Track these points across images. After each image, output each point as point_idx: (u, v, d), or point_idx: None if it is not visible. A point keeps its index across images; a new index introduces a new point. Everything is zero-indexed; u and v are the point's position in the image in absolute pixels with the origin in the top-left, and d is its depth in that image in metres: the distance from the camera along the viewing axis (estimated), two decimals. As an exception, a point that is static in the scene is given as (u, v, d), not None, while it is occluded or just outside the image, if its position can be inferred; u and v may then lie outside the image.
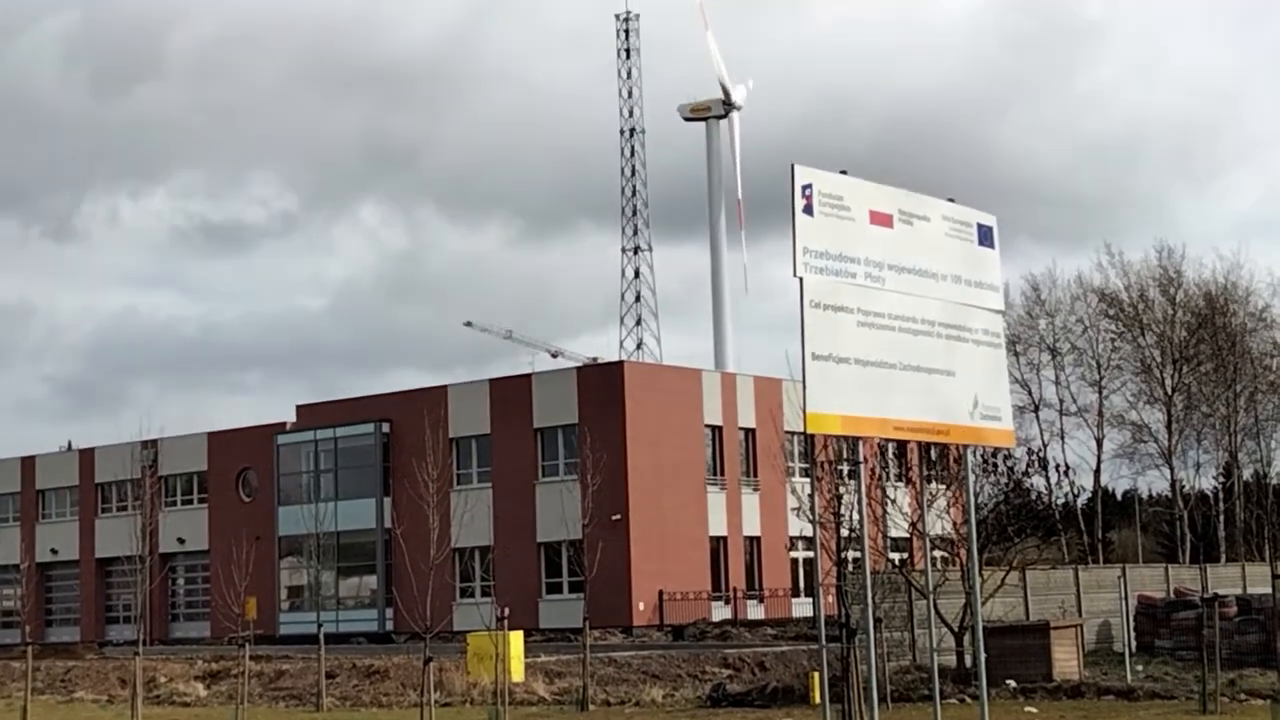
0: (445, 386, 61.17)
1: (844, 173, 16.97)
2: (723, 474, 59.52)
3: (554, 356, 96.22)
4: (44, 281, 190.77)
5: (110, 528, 68.02)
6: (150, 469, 56.43)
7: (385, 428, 61.52)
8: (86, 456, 72.70)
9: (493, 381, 60.71)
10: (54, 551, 72.44)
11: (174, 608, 69.91)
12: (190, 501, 68.53)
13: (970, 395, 17.54)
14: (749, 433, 60.41)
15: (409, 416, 57.17)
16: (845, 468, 27.35)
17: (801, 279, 16.16)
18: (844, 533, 23.47)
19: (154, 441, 64.55)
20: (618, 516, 52.91)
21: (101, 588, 71.71)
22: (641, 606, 54.92)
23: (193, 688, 36.17)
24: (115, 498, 70.84)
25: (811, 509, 18.89)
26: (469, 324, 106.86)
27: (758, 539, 60.27)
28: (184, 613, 69.59)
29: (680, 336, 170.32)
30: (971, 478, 19.92)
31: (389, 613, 59.58)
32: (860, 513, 17.14)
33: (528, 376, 61.10)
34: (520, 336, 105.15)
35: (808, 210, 16.35)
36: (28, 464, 75.09)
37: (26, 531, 69.50)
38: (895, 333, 16.87)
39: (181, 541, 66.78)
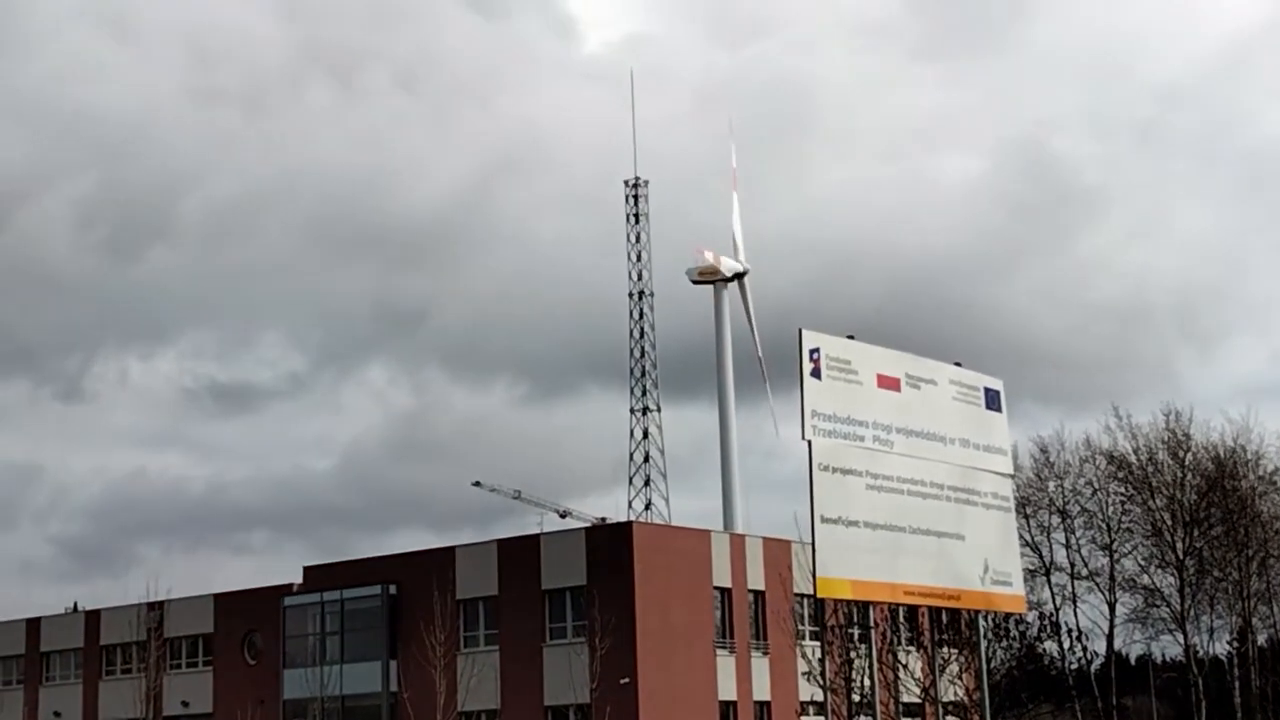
0: (453, 548, 60.94)
1: (851, 337, 17.21)
2: (732, 637, 59.00)
3: (562, 516, 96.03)
4: (53, 442, 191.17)
5: (115, 690, 67.27)
6: (156, 631, 56.06)
7: (392, 589, 61.15)
8: (92, 618, 72.21)
9: (500, 542, 60.49)
10: (57, 715, 71.52)
11: (176, 773, 68.87)
12: (195, 664, 67.87)
13: (981, 559, 17.57)
14: (758, 595, 60.00)
15: (416, 578, 56.88)
16: (856, 631, 27.19)
17: (810, 442, 16.31)
18: (855, 698, 23.25)
19: (160, 603, 64.16)
20: (626, 680, 52.33)
21: (103, 752, 70.72)
22: (649, 773, 54.06)
23: None
24: (120, 660, 70.19)
25: (822, 674, 18.78)
26: (477, 484, 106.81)
27: (768, 704, 59.50)
28: (186, 778, 68.53)
29: (688, 497, 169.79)
30: (984, 643, 19.84)
31: (394, 779, 58.66)
32: (872, 678, 17.06)
33: (536, 537, 60.88)
34: (529, 496, 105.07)
35: (816, 374, 16.57)
36: (32, 626, 74.54)
37: (30, 695, 68.73)
38: (904, 496, 16.96)
39: (185, 705, 65.98)
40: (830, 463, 16.44)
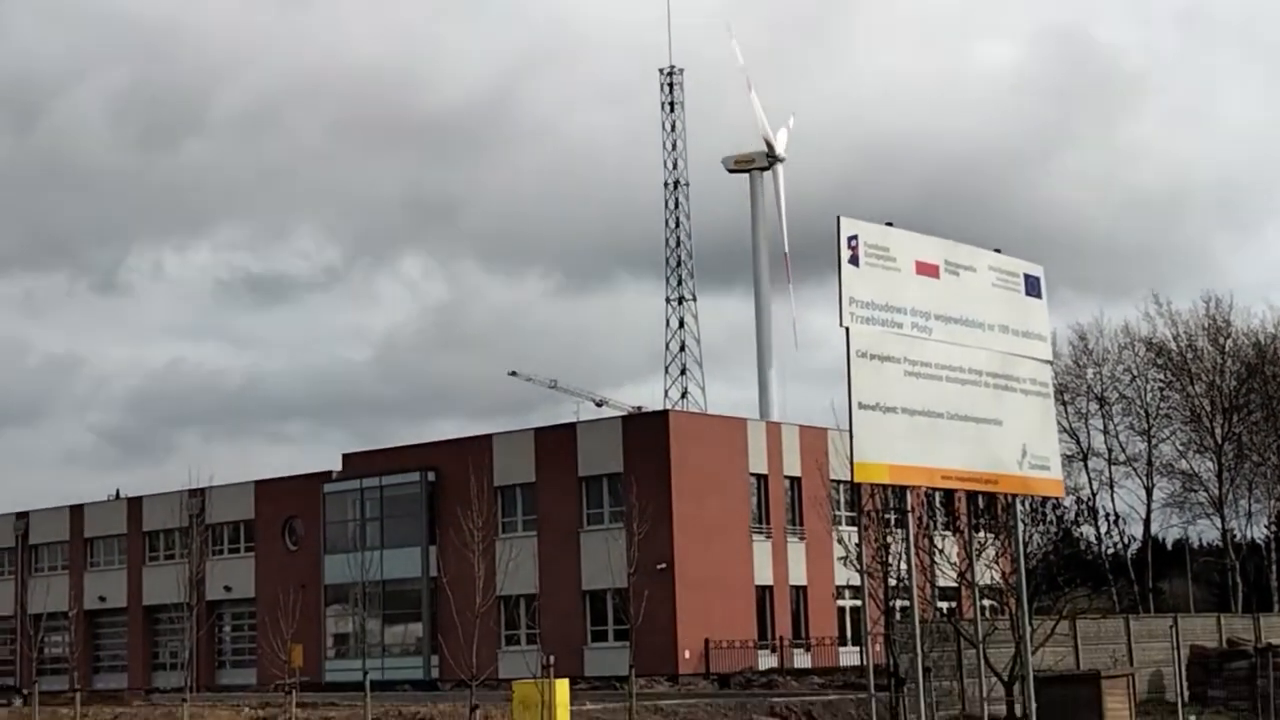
0: (490, 435, 61.33)
1: (889, 224, 17.04)
2: (768, 523, 59.36)
3: (598, 406, 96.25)
4: (91, 334, 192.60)
5: (158, 575, 68.37)
6: (198, 517, 56.76)
7: (431, 476, 61.70)
8: (135, 505, 73.20)
9: (537, 431, 60.83)
10: (102, 599, 72.83)
11: (220, 655, 70.09)
12: (237, 550, 68.83)
13: (1019, 444, 17.53)
14: (794, 482, 60.26)
15: (454, 465, 57.30)
16: (892, 517, 27.28)
17: (848, 329, 16.22)
18: (891, 582, 23.38)
19: (202, 490, 64.91)
20: (663, 565, 52.82)
21: (149, 635, 71.99)
22: (687, 655, 54.73)
23: (240, 735, 36.27)
24: (163, 546, 71.24)
25: (859, 558, 18.87)
26: (514, 373, 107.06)
27: (804, 588, 60.01)
28: (230, 660, 69.75)
29: (724, 386, 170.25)
30: (1020, 527, 19.86)
31: (434, 660, 59.57)
32: (908, 562, 17.11)
33: (572, 425, 61.19)
34: (564, 386, 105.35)
35: (854, 261, 16.44)
36: (76, 513, 75.65)
37: (75, 580, 69.89)
38: (943, 382, 16.89)
39: (228, 589, 67.05)
40: (868, 350, 16.36)
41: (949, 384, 17.01)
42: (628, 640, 34.66)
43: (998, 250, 18.45)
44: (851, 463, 15.92)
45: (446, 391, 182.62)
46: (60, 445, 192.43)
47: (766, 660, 57.10)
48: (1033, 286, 18.59)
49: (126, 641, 72.93)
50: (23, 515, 77.38)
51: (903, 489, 17.46)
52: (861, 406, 16.09)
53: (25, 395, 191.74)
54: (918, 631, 16.53)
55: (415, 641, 62.16)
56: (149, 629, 71.81)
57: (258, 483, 68.94)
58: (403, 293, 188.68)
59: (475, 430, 67.42)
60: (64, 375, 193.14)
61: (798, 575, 59.80)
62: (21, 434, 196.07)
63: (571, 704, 35.05)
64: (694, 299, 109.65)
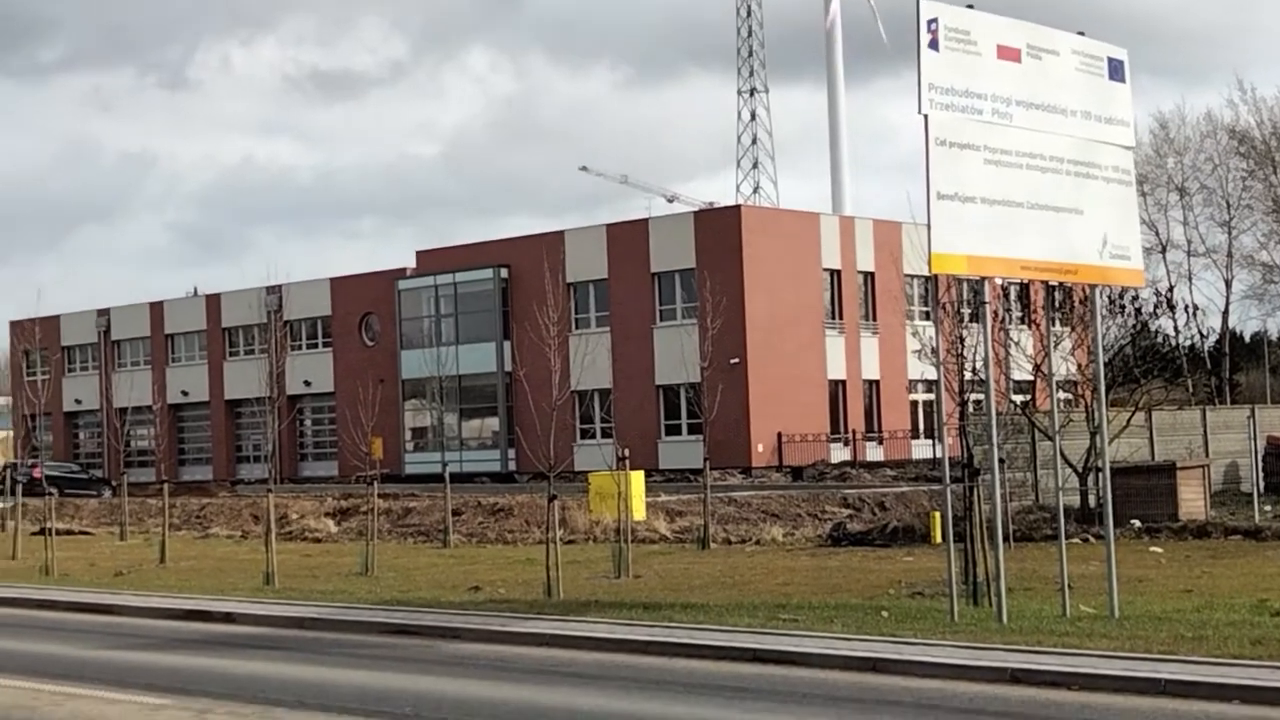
0: (562, 231, 61.33)
1: (970, 6, 16.51)
2: (841, 317, 59.30)
3: (669, 201, 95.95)
4: (163, 131, 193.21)
5: (238, 370, 69.61)
6: (276, 313, 57.49)
7: (504, 272, 61.96)
8: (213, 302, 74.20)
9: (609, 226, 60.73)
10: (184, 394, 74.32)
11: (302, 448, 71.62)
12: (315, 345, 69.78)
13: (1099, 234, 17.17)
14: (868, 276, 60.01)
15: (527, 261, 57.47)
16: (966, 311, 27.07)
17: (926, 116, 15.83)
18: (967, 375, 23.31)
19: (279, 287, 65.62)
20: (736, 360, 53.04)
21: (231, 428, 73.58)
22: (760, 448, 55.28)
23: (323, 524, 37.15)
24: (242, 341, 72.37)
25: (935, 350, 18.76)
26: (584, 169, 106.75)
27: (876, 382, 60.19)
28: (312, 452, 71.28)
29: (796, 180, 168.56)
30: (1099, 317, 19.63)
31: (510, 453, 60.58)
32: (986, 351, 16.98)
33: (644, 221, 61.03)
34: (635, 181, 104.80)
35: (933, 45, 15.95)
36: (156, 309, 76.83)
37: (158, 375, 71.23)
38: (1023, 170, 16.50)
39: (308, 384, 68.19)
40: (947, 137, 15.96)
41: (1029, 172, 16.61)
42: (701, 434, 34.95)
43: (1081, 33, 17.85)
44: (929, 254, 15.68)
45: (516, 187, 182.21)
46: (137, 242, 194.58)
47: (839, 453, 57.60)
48: (1116, 70, 18.00)
49: (210, 435, 74.61)
50: (104, 312, 78.69)
51: (980, 280, 17.22)
52: (940, 196, 15.77)
53: (101, 193, 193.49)
54: (993, 423, 16.48)
55: (491, 435, 63.14)
56: (231, 422, 73.36)
57: (333, 279, 69.58)
58: (470, 87, 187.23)
59: (545, 226, 67.52)
60: (139, 173, 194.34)
61: (870, 369, 59.93)
62: (99, 231, 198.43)
63: (646, 496, 35.63)
64: (765, 91, 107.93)
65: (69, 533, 37.68)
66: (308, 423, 71.26)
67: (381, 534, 31.72)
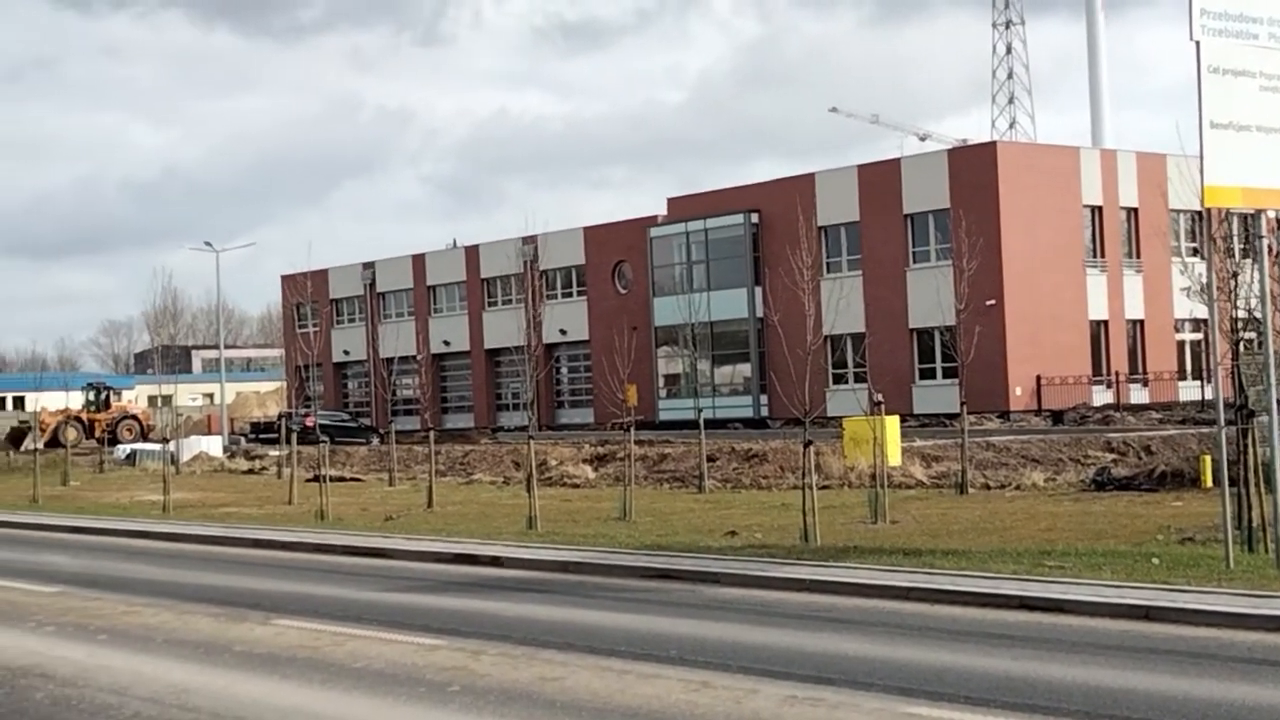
0: (812, 174, 60.85)
1: (1245, -75, 15.74)
2: (1103, 255, 57.55)
3: (922, 140, 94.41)
4: (419, 86, 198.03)
5: (497, 320, 71.16)
6: (532, 263, 58.49)
7: (754, 218, 61.86)
8: (472, 253, 75.92)
9: (861, 168, 60.01)
10: (446, 344, 76.33)
11: (559, 395, 72.92)
12: (570, 294, 70.87)
13: (1387, 162, 16.24)
14: (1131, 212, 58.06)
15: (777, 206, 57.23)
16: (1238, 247, 25.93)
17: (1198, 43, 15.19)
18: (1239, 313, 22.35)
19: (534, 237, 66.82)
20: (992, 301, 51.96)
21: (491, 377, 75.35)
22: (1018, 391, 54.15)
23: (581, 470, 37.82)
24: (500, 291, 73.94)
25: (1208, 287, 18.04)
26: (834, 110, 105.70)
27: (1140, 322, 58.31)
28: (568, 400, 72.54)
29: (1053, 115, 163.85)
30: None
31: (763, 399, 60.63)
32: (1264, 288, 16.26)
33: (896, 161, 60.11)
34: (886, 121, 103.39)
35: (1205, -32, 15.28)
36: (418, 261, 78.98)
37: (420, 325, 73.25)
38: (1302, 97, 15.72)
39: (563, 333, 69.34)
40: (1220, 64, 15.28)
41: (1308, 99, 15.80)
42: (956, 378, 34.36)
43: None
44: (1201, 187, 15.06)
45: (763, 131, 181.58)
46: (396, 196, 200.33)
47: (1101, 396, 56.04)
48: (1406, -13, 16.94)
49: (470, 383, 76.54)
50: (369, 265, 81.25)
51: (1256, 213, 16.48)
52: (1213, 126, 15.13)
53: (361, 149, 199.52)
54: (1270, 362, 15.80)
55: (744, 381, 63.28)
56: (491, 371, 75.12)
57: (586, 228, 70.47)
58: (713, 32, 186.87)
59: (794, 170, 67.10)
60: (398, 128, 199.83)
61: (1134, 308, 58.07)
62: (360, 186, 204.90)
63: (901, 441, 35.28)
64: (1021, 23, 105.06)
65: (340, 479, 39.16)
66: (564, 370, 72.50)
67: (638, 479, 32.16)
